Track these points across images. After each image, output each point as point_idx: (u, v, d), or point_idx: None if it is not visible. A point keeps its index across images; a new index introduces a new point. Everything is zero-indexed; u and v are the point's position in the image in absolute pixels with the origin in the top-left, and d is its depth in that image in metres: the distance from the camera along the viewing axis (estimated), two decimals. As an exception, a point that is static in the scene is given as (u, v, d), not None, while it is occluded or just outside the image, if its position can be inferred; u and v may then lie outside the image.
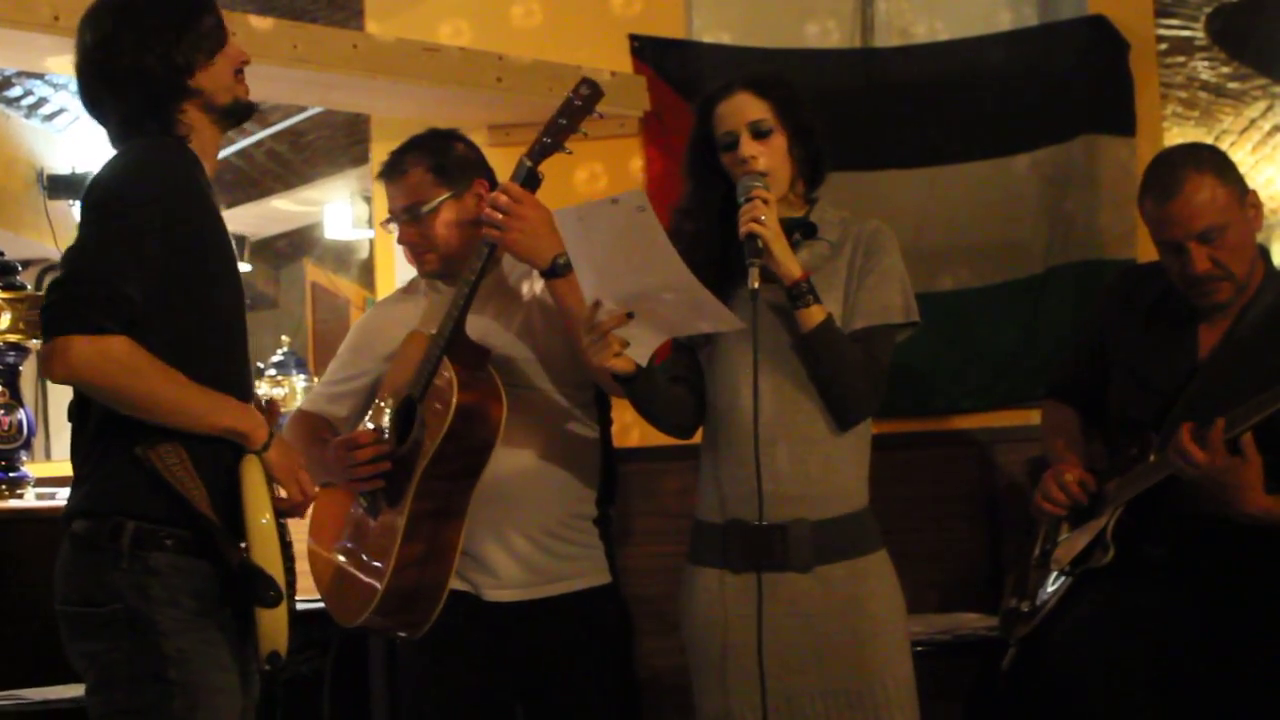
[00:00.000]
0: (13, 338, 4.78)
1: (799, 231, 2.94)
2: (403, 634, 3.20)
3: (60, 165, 6.36)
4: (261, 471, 2.56)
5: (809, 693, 2.85)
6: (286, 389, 6.52)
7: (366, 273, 8.06)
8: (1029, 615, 3.40)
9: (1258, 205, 3.18)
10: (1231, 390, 2.98)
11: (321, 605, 4.22)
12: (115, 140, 2.72)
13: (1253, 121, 7.48)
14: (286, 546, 2.57)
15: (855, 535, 2.91)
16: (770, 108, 2.92)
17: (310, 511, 3.25)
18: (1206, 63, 6.74)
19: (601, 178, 4.80)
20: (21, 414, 4.82)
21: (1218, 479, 2.91)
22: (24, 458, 4.84)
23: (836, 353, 2.83)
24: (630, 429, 4.58)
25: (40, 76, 5.93)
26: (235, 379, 2.65)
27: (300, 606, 4.19)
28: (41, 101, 6.24)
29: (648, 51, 4.91)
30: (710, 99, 2.99)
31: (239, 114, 2.82)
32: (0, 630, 4.23)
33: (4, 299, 4.74)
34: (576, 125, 3.05)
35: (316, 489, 2.75)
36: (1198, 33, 6.32)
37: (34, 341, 4.73)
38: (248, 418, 2.59)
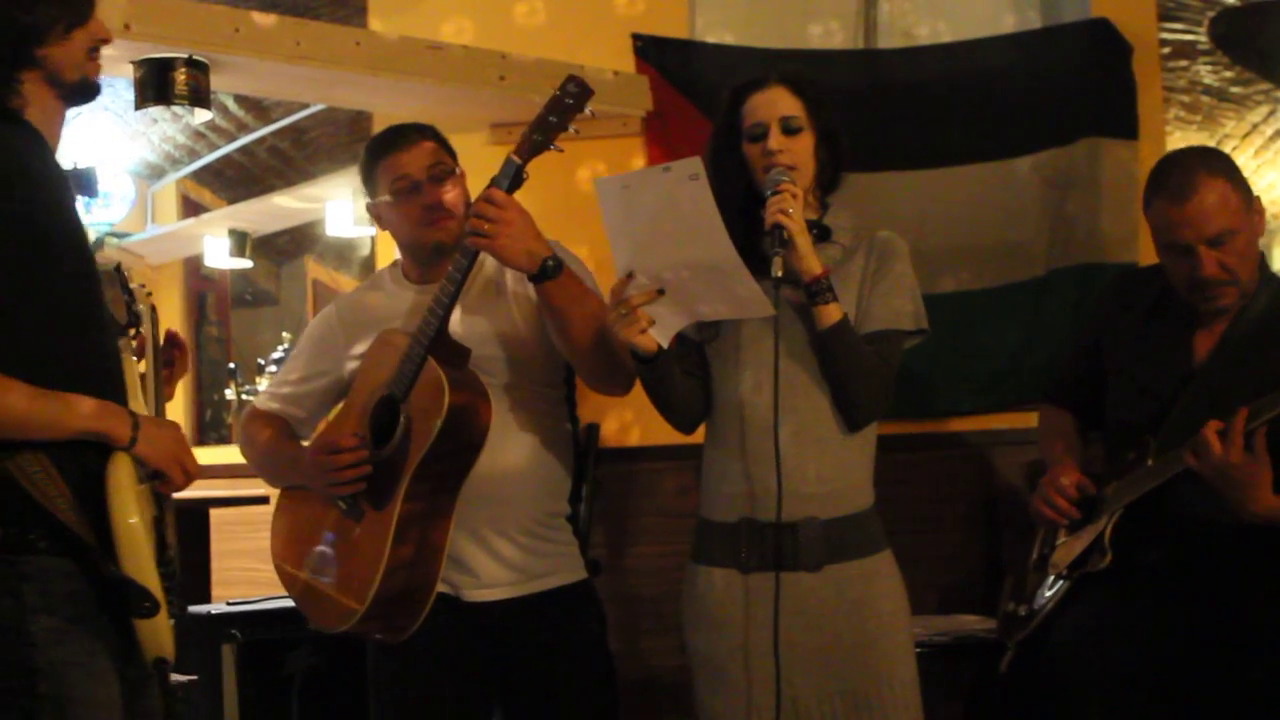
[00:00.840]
0: None
1: (814, 233, 2.94)
2: (380, 637, 3.17)
3: (62, 160, 6.37)
4: (128, 470, 2.44)
5: (815, 694, 2.84)
6: (287, 386, 6.52)
7: (367, 270, 8.08)
8: (1027, 619, 3.40)
9: (1262, 211, 3.18)
10: (1229, 393, 2.98)
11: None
12: None
13: (1255, 126, 7.49)
14: (163, 548, 2.47)
15: (864, 534, 2.91)
16: (803, 106, 2.93)
17: (274, 518, 3.27)
18: (1209, 67, 6.75)
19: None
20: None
21: (1230, 475, 2.91)
22: None
23: (851, 352, 2.84)
24: (630, 428, 4.59)
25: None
26: (91, 374, 2.50)
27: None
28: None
29: (650, 51, 4.90)
30: (743, 88, 2.99)
31: (84, 93, 2.64)
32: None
33: None
34: (566, 123, 3.02)
35: (197, 466, 2.63)
36: (1201, 37, 6.33)
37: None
38: (105, 417, 2.45)
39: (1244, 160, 7.84)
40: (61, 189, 2.55)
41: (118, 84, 5.81)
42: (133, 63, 4.24)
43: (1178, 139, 7.49)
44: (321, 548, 3.19)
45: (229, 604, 4.23)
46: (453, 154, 3.33)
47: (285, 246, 9.37)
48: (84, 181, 6.38)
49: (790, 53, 4.95)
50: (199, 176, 7.91)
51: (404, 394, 3.04)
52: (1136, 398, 3.27)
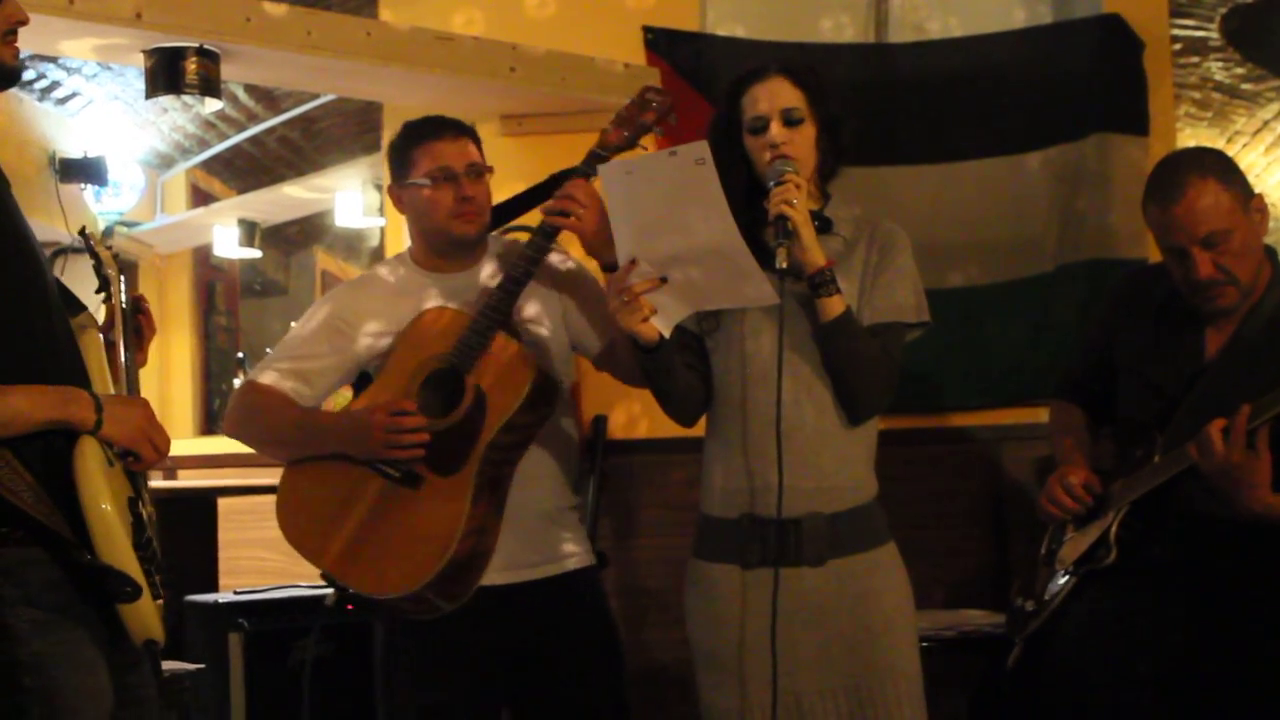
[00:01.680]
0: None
1: (815, 225, 2.92)
2: (421, 614, 3.14)
3: (72, 149, 6.38)
4: (95, 454, 2.40)
5: (818, 689, 2.83)
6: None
7: (377, 260, 8.08)
8: (1034, 614, 3.40)
9: (1263, 210, 3.16)
10: (1237, 391, 2.97)
11: (321, 591, 4.26)
12: None
13: (1266, 123, 7.47)
14: (140, 529, 2.45)
15: (867, 528, 2.90)
16: (804, 97, 2.91)
17: (285, 493, 3.22)
18: (1221, 63, 6.74)
19: (613, 169, 4.80)
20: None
21: (1231, 473, 2.91)
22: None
23: (855, 345, 2.82)
24: (639, 420, 4.59)
25: (53, 60, 5.94)
26: (41, 358, 2.46)
27: (304, 593, 4.24)
28: (54, 85, 6.25)
29: (661, 44, 4.90)
30: (742, 80, 2.97)
31: (3, 79, 2.59)
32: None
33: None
34: (650, 126, 3.15)
35: (167, 440, 2.56)
36: (1212, 33, 6.32)
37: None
38: (66, 405, 2.40)
39: (1255, 157, 7.82)
40: None
41: (128, 73, 5.82)
42: (143, 52, 4.25)
43: (1188, 135, 7.48)
44: (363, 515, 3.14)
45: (236, 593, 4.24)
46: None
47: (294, 236, 9.37)
48: (94, 170, 6.41)
49: (801, 46, 4.95)
50: (209, 166, 7.92)
51: (469, 366, 3.07)
52: (1146, 395, 3.26)
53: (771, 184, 2.80)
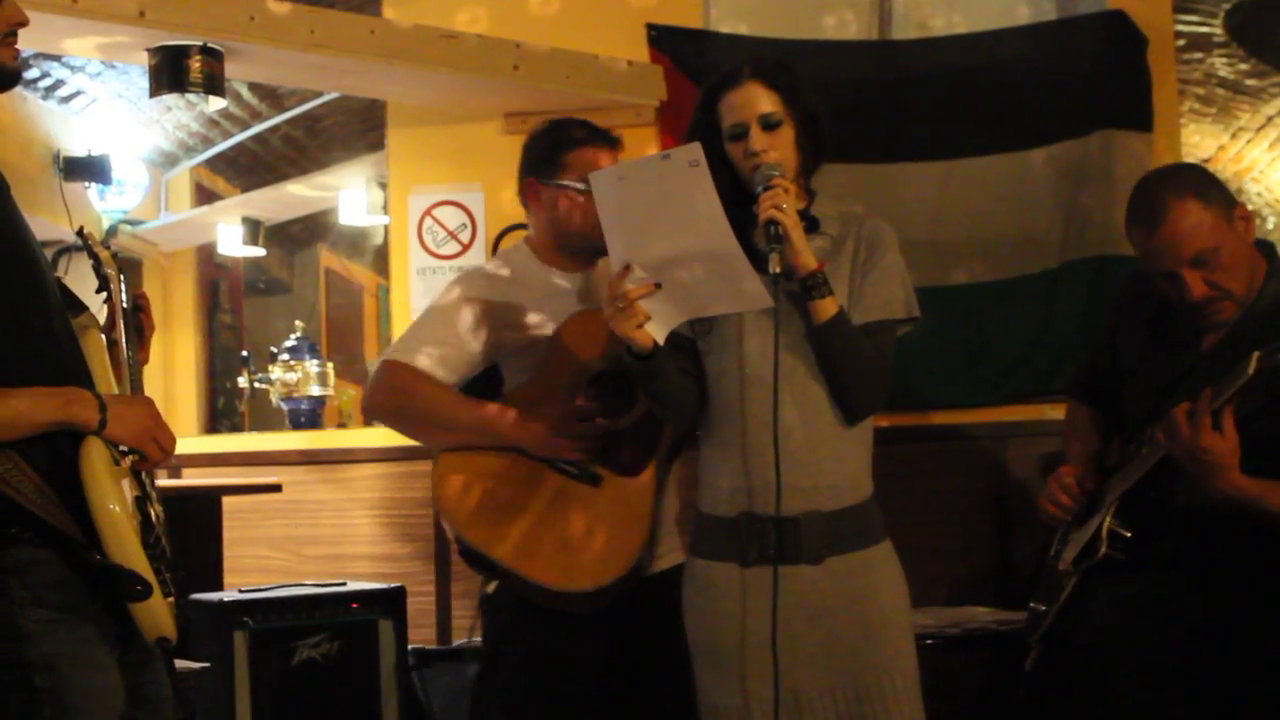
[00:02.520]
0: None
1: (802, 225, 2.92)
2: (577, 608, 3.15)
3: (76, 147, 6.38)
4: (101, 454, 2.39)
5: (817, 687, 2.83)
6: (299, 374, 6.53)
7: (380, 259, 8.09)
8: (1045, 614, 3.41)
9: (1247, 217, 3.14)
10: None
11: (327, 590, 4.27)
12: None
13: (1270, 119, 7.46)
14: (149, 528, 2.45)
15: (864, 526, 2.90)
16: (779, 99, 2.90)
17: (447, 478, 3.19)
18: (1224, 59, 6.73)
19: (617, 167, 4.80)
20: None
21: (1198, 456, 2.91)
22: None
23: (849, 345, 2.82)
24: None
25: (57, 58, 5.94)
26: (43, 360, 2.45)
27: (308, 592, 4.24)
28: (58, 84, 6.24)
29: (665, 41, 4.90)
30: (716, 86, 2.95)
31: (2, 80, 2.57)
32: None
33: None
34: None
35: (172, 438, 2.55)
36: (1216, 29, 6.31)
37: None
38: (69, 405, 2.40)
39: (1258, 153, 7.81)
40: None
41: (132, 71, 5.81)
42: (147, 50, 4.25)
43: (1192, 131, 7.47)
44: (542, 508, 3.17)
45: (241, 592, 4.24)
46: None
47: (298, 235, 9.35)
48: (98, 169, 6.40)
49: (804, 43, 4.95)
50: (213, 164, 7.91)
51: None
52: (1146, 394, 3.27)
53: (760, 189, 2.79)
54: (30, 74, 6.00)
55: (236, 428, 7.69)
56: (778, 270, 2.70)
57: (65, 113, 6.51)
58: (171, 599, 2.47)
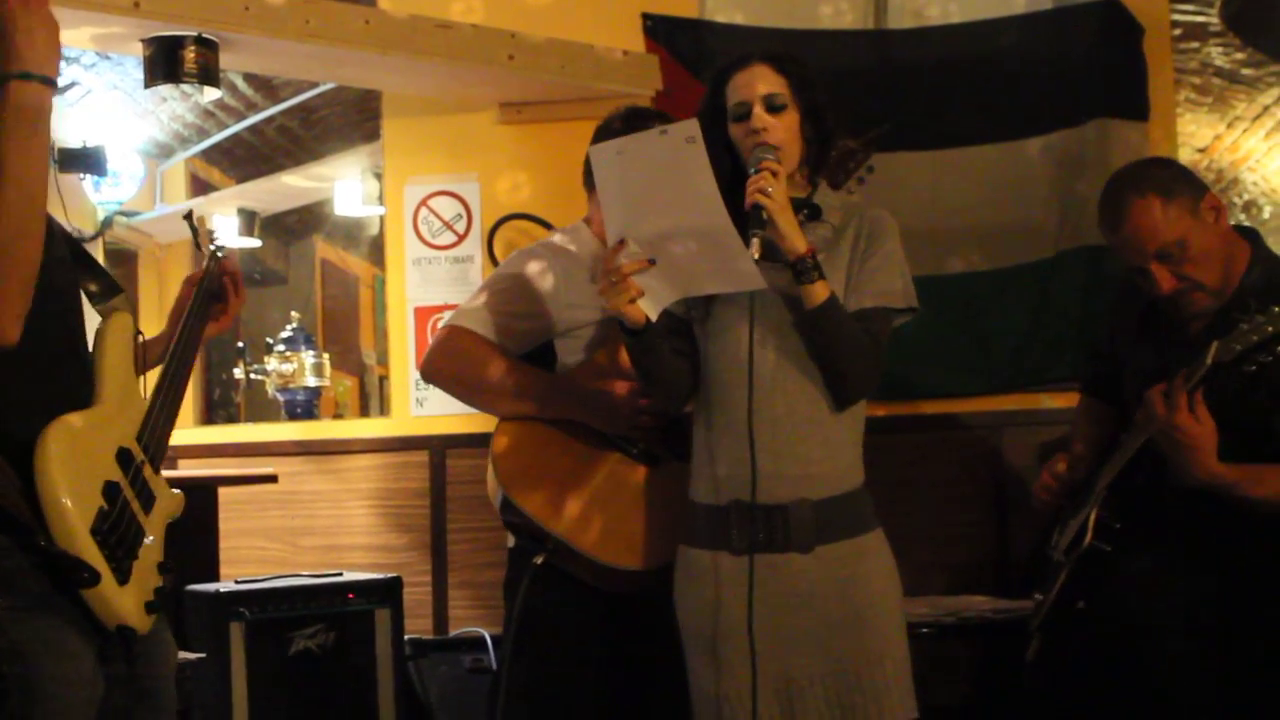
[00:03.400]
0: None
1: (804, 212, 2.92)
2: (622, 589, 3.16)
3: (71, 139, 6.36)
4: (64, 434, 2.36)
5: (808, 675, 2.83)
6: (295, 365, 6.53)
7: (376, 249, 8.08)
8: (1043, 604, 3.43)
9: (1218, 207, 3.16)
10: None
11: (324, 580, 4.27)
12: None
13: (1266, 108, 7.46)
14: (107, 516, 2.40)
15: (854, 514, 2.90)
16: (786, 83, 2.91)
17: (506, 450, 3.20)
18: (1220, 49, 6.72)
19: (612, 156, 4.80)
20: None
21: (1175, 437, 2.96)
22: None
23: (839, 331, 2.82)
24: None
25: (52, 49, 5.92)
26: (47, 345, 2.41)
27: (305, 582, 4.24)
28: (53, 74, 6.23)
29: (660, 31, 4.90)
30: (725, 69, 2.97)
31: None
32: None
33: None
34: None
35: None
36: (1212, 18, 6.30)
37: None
38: None
39: (1255, 142, 7.81)
40: None
41: (127, 62, 5.80)
42: (142, 41, 4.24)
43: (1188, 120, 7.46)
44: (600, 484, 3.18)
45: (237, 582, 4.24)
46: None
47: (294, 226, 9.34)
48: (93, 160, 6.39)
49: (800, 33, 4.95)
50: (208, 155, 7.90)
51: None
52: (1140, 386, 3.28)
53: (750, 172, 2.80)
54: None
55: (232, 419, 7.69)
56: (756, 255, 2.70)
57: (59, 104, 6.48)
58: (141, 587, 2.44)
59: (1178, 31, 6.02)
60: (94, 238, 6.55)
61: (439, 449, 5.09)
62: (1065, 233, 4.84)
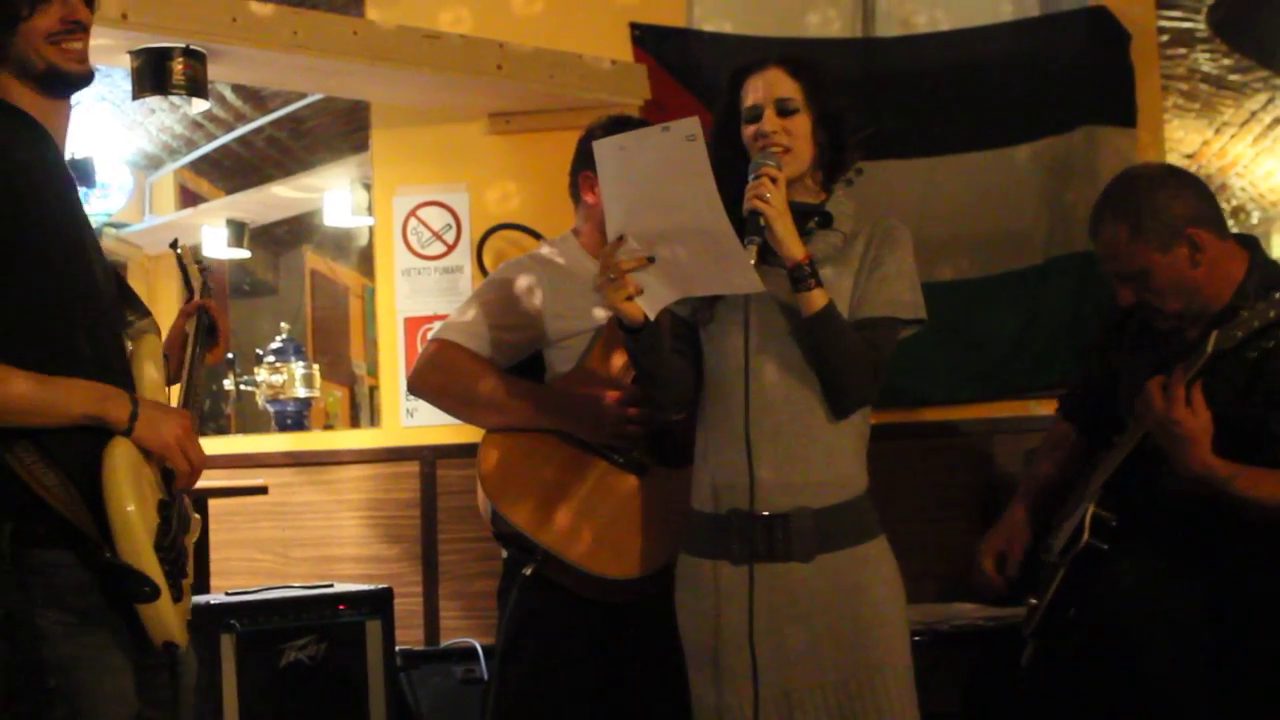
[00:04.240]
0: None
1: (815, 219, 2.92)
2: (612, 598, 3.16)
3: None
4: (127, 454, 2.40)
5: (809, 684, 2.82)
6: (285, 376, 6.52)
7: (366, 260, 8.06)
8: (1037, 608, 3.43)
9: (1198, 245, 3.12)
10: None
11: (315, 591, 4.26)
12: None
13: (1253, 114, 7.47)
14: (165, 532, 2.44)
15: (857, 522, 2.89)
16: (800, 88, 2.90)
17: (492, 462, 3.20)
18: (1208, 55, 6.74)
19: (601, 165, 4.80)
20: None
21: (1172, 430, 2.97)
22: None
23: (836, 339, 2.81)
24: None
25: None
26: (84, 359, 2.47)
27: (296, 594, 4.23)
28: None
29: (649, 40, 4.90)
30: (741, 71, 2.96)
31: (56, 82, 2.55)
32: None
33: None
34: None
35: (202, 455, 2.57)
36: (1199, 24, 6.32)
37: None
38: (104, 400, 2.42)
39: (1242, 148, 7.82)
40: (54, 176, 2.52)
41: (115, 74, 5.79)
42: (130, 53, 4.23)
43: (1176, 126, 7.48)
44: (586, 494, 3.18)
45: (228, 594, 4.23)
46: None
47: (283, 236, 9.33)
48: (81, 172, 6.38)
49: (788, 41, 4.95)
50: (197, 166, 7.90)
51: None
52: (1134, 391, 3.29)
53: (750, 178, 2.79)
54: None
55: (222, 430, 7.67)
56: (751, 261, 2.70)
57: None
58: (182, 605, 2.48)
59: (1165, 38, 6.03)
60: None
61: (429, 459, 5.08)
62: (1054, 239, 4.85)
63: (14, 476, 2.36)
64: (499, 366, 3.29)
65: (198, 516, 2.72)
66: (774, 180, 2.77)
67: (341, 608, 4.24)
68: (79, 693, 2.39)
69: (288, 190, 7.29)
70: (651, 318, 2.80)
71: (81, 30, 2.56)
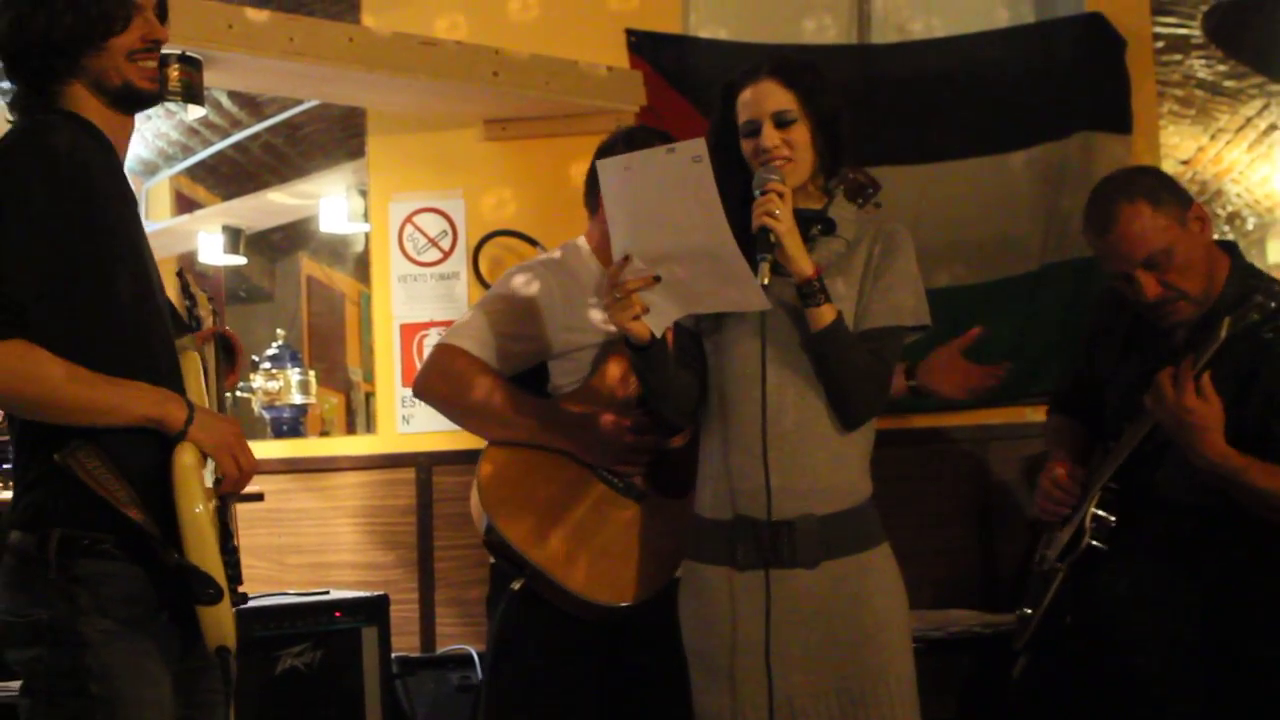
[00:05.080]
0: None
1: (819, 226, 2.92)
2: (601, 620, 3.15)
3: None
4: (193, 457, 2.45)
5: (812, 691, 2.81)
6: (281, 382, 6.50)
7: (362, 266, 8.06)
8: (1031, 619, 3.42)
9: (1203, 218, 3.18)
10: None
11: (310, 598, 4.25)
12: (12, 118, 2.59)
13: (1249, 120, 7.48)
14: (227, 536, 2.50)
15: (861, 529, 2.88)
16: (795, 97, 2.88)
17: (490, 478, 3.19)
18: (1203, 61, 6.75)
19: (597, 173, 4.81)
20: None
21: (1183, 419, 2.97)
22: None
23: (844, 355, 2.81)
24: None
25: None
26: (144, 363, 2.52)
27: (291, 601, 4.23)
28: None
29: (644, 46, 4.90)
30: (734, 84, 2.94)
31: (130, 99, 2.60)
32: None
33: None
34: None
35: (253, 460, 2.63)
36: (1194, 31, 6.33)
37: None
38: (161, 403, 2.46)
39: (1237, 154, 7.83)
40: (118, 187, 2.56)
41: (111, 80, 5.80)
42: (125, 59, 4.23)
43: (1171, 133, 7.49)
44: (582, 516, 3.17)
45: (224, 601, 4.22)
46: None
47: (279, 243, 9.33)
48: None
49: (783, 48, 4.95)
50: (193, 173, 7.90)
51: None
52: (1124, 396, 3.29)
53: (756, 194, 2.79)
54: (2, 85, 5.98)
55: (219, 437, 7.65)
56: (765, 281, 2.70)
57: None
58: (235, 610, 2.52)
59: (1160, 44, 6.04)
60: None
61: (425, 466, 5.08)
62: (1050, 246, 4.85)
63: (72, 481, 2.40)
64: (503, 377, 3.28)
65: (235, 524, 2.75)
66: (780, 195, 2.77)
67: (337, 615, 4.23)
68: (119, 700, 2.42)
69: (284, 196, 7.28)
70: (659, 335, 2.80)
71: (158, 49, 2.62)
